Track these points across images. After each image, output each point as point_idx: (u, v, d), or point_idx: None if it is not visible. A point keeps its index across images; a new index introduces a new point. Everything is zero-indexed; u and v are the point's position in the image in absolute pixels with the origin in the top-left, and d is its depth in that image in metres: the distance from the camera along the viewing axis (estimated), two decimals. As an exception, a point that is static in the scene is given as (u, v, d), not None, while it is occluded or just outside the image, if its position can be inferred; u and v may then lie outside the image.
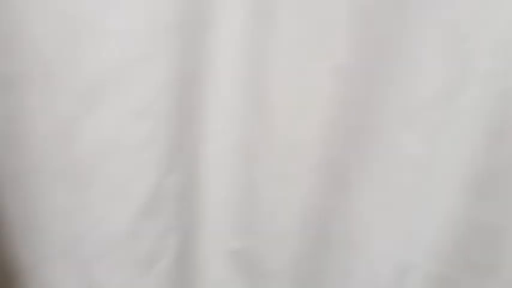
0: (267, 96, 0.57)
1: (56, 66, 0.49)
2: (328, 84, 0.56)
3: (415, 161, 0.56)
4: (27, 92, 0.50)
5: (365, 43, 0.53)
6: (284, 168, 0.61)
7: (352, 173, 0.58)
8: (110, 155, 0.56)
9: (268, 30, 0.53)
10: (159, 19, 0.51)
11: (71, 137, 0.53)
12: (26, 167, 0.54)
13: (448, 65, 0.51)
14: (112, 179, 0.57)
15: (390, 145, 0.55)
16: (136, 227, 0.61)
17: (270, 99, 0.58)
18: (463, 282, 0.61)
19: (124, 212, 0.60)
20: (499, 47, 0.50)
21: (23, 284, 0.60)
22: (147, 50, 0.52)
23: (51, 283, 0.60)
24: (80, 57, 0.49)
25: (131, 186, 0.59)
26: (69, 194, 0.55)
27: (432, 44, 0.50)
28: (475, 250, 0.59)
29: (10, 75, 0.49)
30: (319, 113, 0.57)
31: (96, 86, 0.51)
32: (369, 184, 0.58)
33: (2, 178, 0.55)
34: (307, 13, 0.53)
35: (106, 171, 0.56)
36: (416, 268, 0.62)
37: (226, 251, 0.66)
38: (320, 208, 0.62)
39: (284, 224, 0.63)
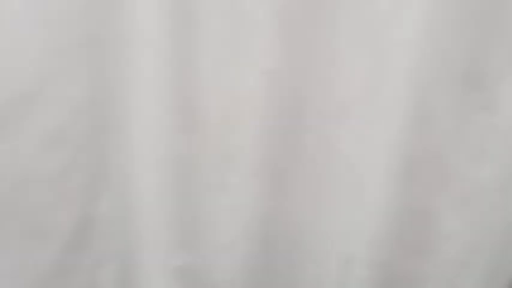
0: (197, 105, 0.56)
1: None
2: (260, 88, 0.56)
3: (348, 156, 0.58)
4: None
5: (293, 44, 0.54)
6: (223, 178, 0.60)
7: (290, 174, 0.59)
8: (25, 187, 0.51)
9: (191, 31, 0.51)
10: (72, 32, 0.48)
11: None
12: None
13: (371, 62, 0.53)
14: (28, 212, 0.53)
15: (324, 143, 0.57)
16: (64, 262, 0.57)
17: (200, 108, 0.56)
18: (400, 266, 0.65)
19: (47, 249, 0.55)
20: (411, 46, 0.53)
21: None
22: (60, 65, 0.49)
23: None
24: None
25: (52, 219, 0.55)
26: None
27: (357, 43, 0.52)
28: (408, 234, 0.63)
29: None
30: (253, 117, 0.57)
31: (8, 108, 0.47)
32: (307, 183, 0.59)
33: None
34: (229, 13, 0.52)
35: (21, 205, 0.52)
36: (357, 258, 0.64)
37: (170, 268, 0.64)
38: (263, 213, 0.62)
39: (228, 234, 0.63)
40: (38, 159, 0.51)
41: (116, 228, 0.60)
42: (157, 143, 0.56)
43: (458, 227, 0.61)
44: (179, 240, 0.62)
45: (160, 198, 0.59)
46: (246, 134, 0.58)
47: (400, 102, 0.56)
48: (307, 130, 0.57)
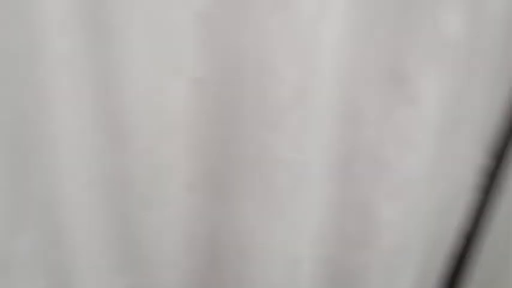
0: (123, 120, 0.53)
1: None
2: (190, 97, 0.54)
3: (285, 160, 0.58)
4: None
5: (219, 50, 0.53)
6: (158, 194, 0.58)
7: (230, 183, 0.59)
8: None
9: (108, 44, 0.48)
10: None
11: None
12: None
13: (301, 64, 0.53)
14: None
15: (260, 149, 0.57)
16: None
17: (126, 123, 0.53)
18: (345, 258, 0.66)
19: None
20: (337, 46, 0.54)
21: None
22: None
23: None
24: None
25: None
26: None
27: (284, 46, 0.52)
28: (350, 227, 0.65)
29: None
30: (183, 129, 0.55)
31: None
32: (247, 191, 0.59)
33: None
34: (148, 21, 0.49)
35: None
36: (304, 256, 0.65)
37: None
38: (205, 225, 0.61)
39: (170, 250, 0.61)
40: None
41: (42, 263, 0.55)
42: (84, 166, 0.53)
43: (394, 216, 0.64)
44: (119, 263, 0.60)
45: (93, 221, 0.56)
46: (179, 146, 0.56)
47: (332, 102, 0.57)
48: (242, 137, 0.56)
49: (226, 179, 0.59)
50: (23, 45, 0.45)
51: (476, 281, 0.76)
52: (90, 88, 0.50)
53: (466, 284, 0.76)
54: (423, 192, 0.63)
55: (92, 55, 0.48)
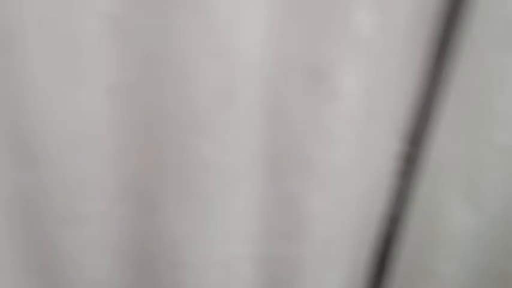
0: (34, 137, 0.50)
1: None
2: (107, 106, 0.52)
3: (213, 163, 0.57)
4: None
5: (136, 56, 0.50)
6: (79, 210, 0.55)
7: (159, 191, 0.57)
8: None
9: (10, 55, 0.44)
10: None
11: None
12: None
13: (222, 66, 0.53)
14: None
15: (187, 154, 0.56)
16: None
17: (38, 139, 0.50)
18: (279, 254, 0.67)
19: None
20: (257, 45, 0.54)
21: None
22: None
23: None
24: None
25: None
26: None
27: (203, 48, 0.51)
28: (282, 223, 0.65)
29: None
30: (100, 140, 0.53)
31: None
32: (178, 197, 0.58)
33: None
34: (55, 27, 0.46)
35: None
36: (241, 257, 0.66)
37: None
38: (135, 238, 0.59)
39: (98, 268, 0.59)
40: None
41: None
42: None
43: (324, 207, 0.66)
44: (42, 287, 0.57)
45: (11, 244, 0.53)
46: (101, 158, 0.54)
47: (256, 102, 0.57)
48: (166, 143, 0.55)
49: (153, 188, 0.57)
50: None
51: (403, 259, 0.81)
52: None
53: (395, 262, 0.81)
54: (349, 182, 0.66)
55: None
